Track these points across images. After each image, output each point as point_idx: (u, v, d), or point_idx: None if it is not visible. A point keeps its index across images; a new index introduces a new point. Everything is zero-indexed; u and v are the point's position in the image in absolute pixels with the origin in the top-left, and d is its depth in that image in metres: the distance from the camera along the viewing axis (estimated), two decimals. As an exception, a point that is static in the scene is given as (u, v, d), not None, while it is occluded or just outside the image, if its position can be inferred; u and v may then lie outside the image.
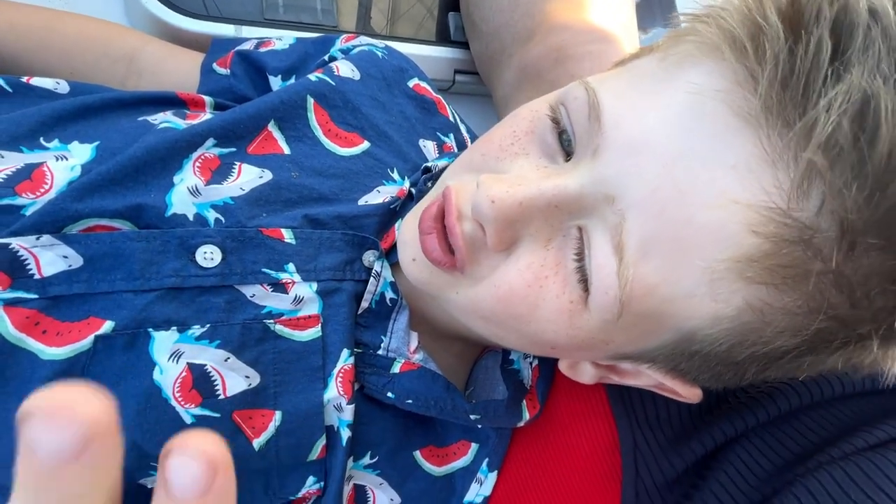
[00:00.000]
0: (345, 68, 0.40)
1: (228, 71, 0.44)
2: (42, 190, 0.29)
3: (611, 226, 0.25)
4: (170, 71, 0.47)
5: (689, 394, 0.30)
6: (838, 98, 0.20)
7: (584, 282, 0.26)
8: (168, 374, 0.28)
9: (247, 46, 0.46)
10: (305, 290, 0.32)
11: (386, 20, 0.63)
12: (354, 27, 0.61)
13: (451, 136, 0.45)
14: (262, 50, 0.45)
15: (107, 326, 0.28)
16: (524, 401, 0.38)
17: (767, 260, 0.22)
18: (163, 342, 0.29)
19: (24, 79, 0.35)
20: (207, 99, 0.40)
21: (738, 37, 0.22)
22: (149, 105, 0.36)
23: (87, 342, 0.27)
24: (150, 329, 0.28)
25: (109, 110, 0.34)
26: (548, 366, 0.40)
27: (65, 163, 0.30)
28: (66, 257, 0.28)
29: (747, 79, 0.22)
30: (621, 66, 0.30)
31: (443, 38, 0.63)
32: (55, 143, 0.31)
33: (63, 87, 0.36)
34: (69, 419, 0.12)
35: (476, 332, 0.32)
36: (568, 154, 0.28)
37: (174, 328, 0.29)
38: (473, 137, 0.48)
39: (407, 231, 0.31)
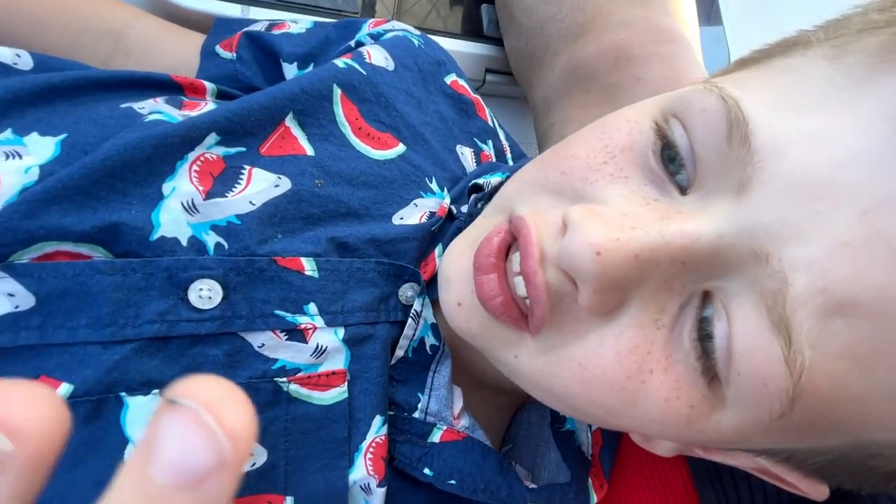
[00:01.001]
0: (377, 55, 0.33)
1: (234, 55, 0.37)
2: None
3: (766, 294, 0.18)
4: (165, 52, 0.40)
5: (814, 492, 0.24)
6: None
7: (710, 373, 0.19)
8: None
9: (257, 28, 0.39)
10: (330, 337, 0.25)
11: (391, 13, 0.57)
12: (374, 13, 0.54)
13: (490, 143, 0.39)
14: (275, 32, 0.38)
15: (62, 391, 0.20)
16: (589, 478, 0.31)
17: None
18: (140, 410, 0.21)
19: None
20: (209, 85, 0.33)
21: None
22: (136, 88, 0.29)
23: None
24: (123, 393, 0.21)
25: (84, 93, 0.27)
26: (612, 430, 0.33)
27: (17, 162, 0.22)
28: (11, 295, 0.20)
29: None
30: (756, 65, 0.23)
31: (473, 31, 0.56)
32: (6, 133, 0.23)
33: (25, 60, 0.29)
34: (211, 428, 0.09)
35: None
36: (681, 187, 0.21)
37: (156, 391, 0.22)
38: (513, 146, 0.41)
39: (453, 265, 0.24)
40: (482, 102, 0.40)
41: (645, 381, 0.20)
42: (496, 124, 0.41)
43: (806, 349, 0.17)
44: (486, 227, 0.24)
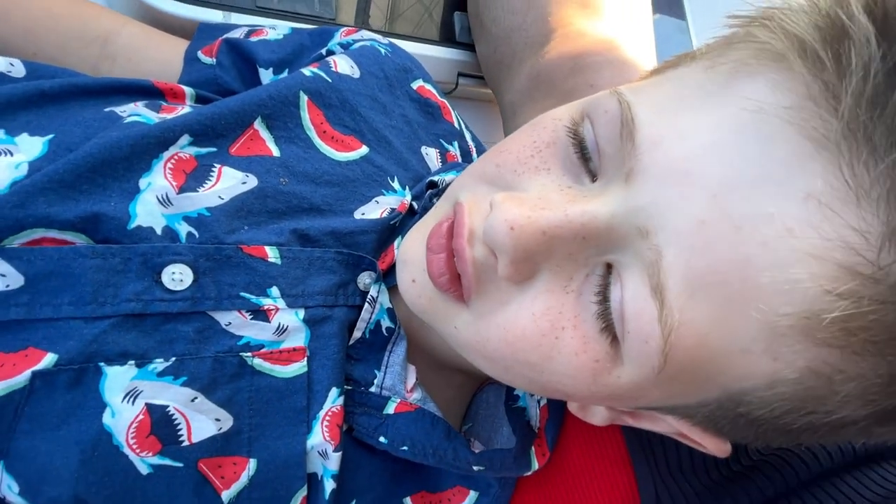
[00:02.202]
0: (343, 64, 0.36)
1: (214, 60, 0.40)
2: None
3: (647, 263, 0.21)
4: (149, 58, 0.42)
5: (717, 448, 0.27)
6: None
7: (609, 332, 0.22)
8: (121, 417, 0.24)
9: (236, 34, 0.41)
10: (291, 318, 0.28)
11: (385, 18, 0.59)
12: (353, 23, 0.56)
13: (455, 144, 0.42)
14: (253, 39, 0.41)
15: (47, 360, 0.23)
16: (533, 447, 0.34)
17: (847, 322, 0.18)
18: (116, 379, 0.24)
19: None
20: (188, 90, 0.35)
21: (811, 43, 0.18)
22: (119, 94, 0.32)
23: (22, 378, 0.23)
24: (102, 363, 0.24)
25: (71, 98, 0.29)
26: (557, 406, 0.36)
27: (8, 159, 0.25)
28: (3, 275, 0.23)
29: (822, 94, 0.18)
30: (657, 74, 0.26)
31: (447, 38, 0.59)
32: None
33: (18, 68, 0.31)
34: None
35: (480, 369, 0.29)
36: (593, 175, 0.24)
37: (131, 362, 0.24)
38: (479, 146, 0.44)
39: (409, 249, 0.27)
40: (449, 106, 0.42)
41: (558, 338, 0.23)
42: (462, 126, 0.43)
43: (675, 312, 0.20)
44: (437, 214, 0.28)
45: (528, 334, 0.23)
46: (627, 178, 0.22)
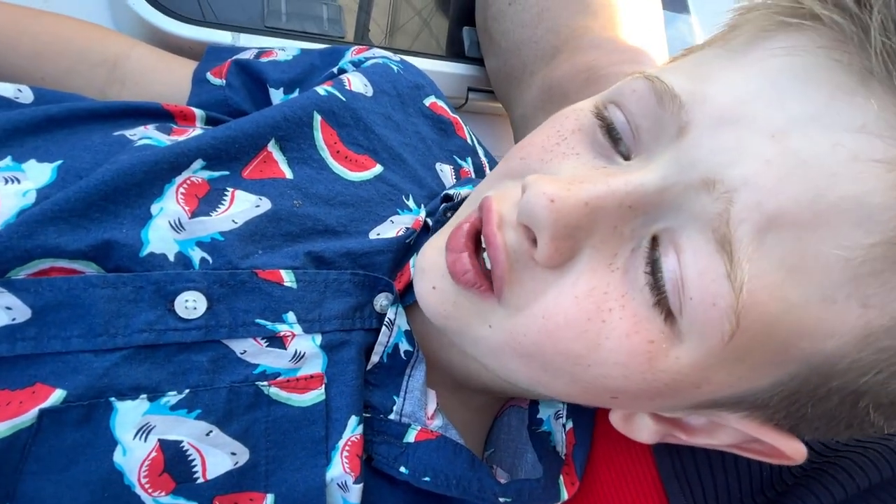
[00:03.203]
0: (357, 82, 0.35)
1: (224, 81, 0.39)
2: None
3: (711, 218, 0.20)
4: (158, 80, 0.42)
5: (793, 452, 0.24)
6: None
7: (662, 307, 0.21)
8: (133, 455, 0.23)
9: (246, 56, 0.41)
10: (307, 344, 0.27)
11: (384, 34, 0.59)
12: (353, 39, 0.56)
13: (469, 160, 0.41)
14: (263, 60, 0.40)
15: (56, 396, 0.22)
16: (561, 475, 0.32)
17: None
18: (128, 414, 0.23)
19: None
20: (198, 112, 0.35)
21: None
22: (129, 118, 0.31)
23: (29, 416, 0.22)
24: (113, 398, 0.23)
25: (80, 123, 0.29)
26: (585, 429, 0.35)
27: (16, 186, 0.24)
28: (9, 308, 0.22)
29: (851, 31, 0.19)
30: (670, 63, 0.26)
31: (456, 53, 0.59)
32: (6, 161, 0.25)
33: (26, 94, 0.31)
34: None
35: (507, 378, 0.27)
36: (625, 156, 0.23)
37: (143, 396, 0.23)
38: (491, 161, 0.43)
39: (427, 257, 0.26)
40: (461, 122, 0.42)
41: (605, 321, 0.21)
42: (475, 142, 0.43)
43: (745, 263, 0.19)
44: (458, 218, 0.26)
45: (572, 320, 0.22)
46: (679, 135, 0.21)
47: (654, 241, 0.21)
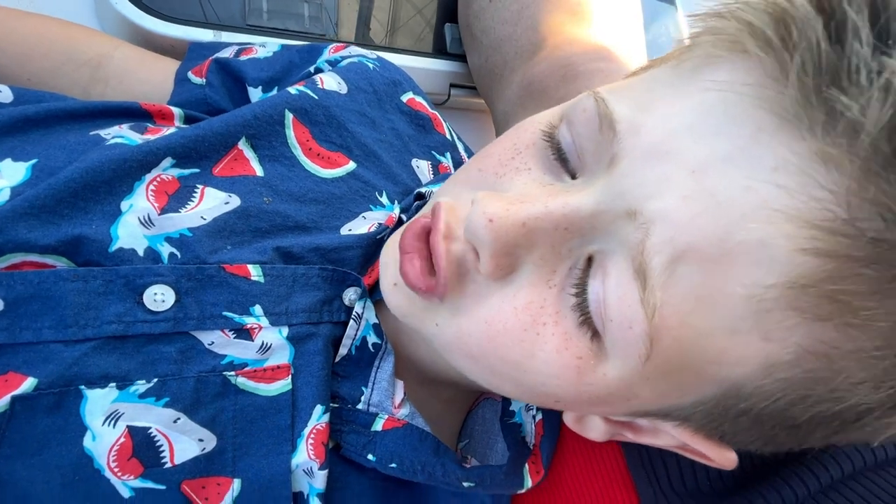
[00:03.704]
0: (330, 81, 0.36)
1: (204, 80, 0.40)
2: None
3: (631, 246, 0.21)
4: (141, 79, 0.43)
5: (723, 459, 0.26)
6: (894, 80, 0.17)
7: (588, 326, 0.22)
8: (102, 441, 0.24)
9: (226, 54, 0.42)
10: (274, 336, 0.28)
11: (385, 31, 0.60)
12: (353, 37, 0.57)
13: (448, 155, 0.42)
14: (243, 58, 0.41)
15: (27, 384, 0.23)
16: (526, 464, 0.33)
17: (827, 285, 0.18)
18: (97, 402, 0.24)
19: None
20: (177, 111, 0.35)
21: (761, 27, 0.19)
22: (105, 117, 0.32)
23: (2, 403, 0.23)
24: (82, 386, 0.24)
25: (57, 123, 0.30)
26: (553, 421, 0.36)
27: None
28: None
29: (777, 71, 0.19)
30: (632, 77, 0.26)
31: (438, 49, 0.60)
32: None
33: (6, 95, 0.32)
34: None
35: (467, 375, 0.28)
36: (572, 174, 0.24)
37: (112, 385, 0.24)
38: (471, 156, 0.44)
39: (390, 253, 0.27)
40: (440, 117, 0.42)
41: (539, 333, 0.23)
42: (455, 137, 0.43)
43: (658, 291, 0.20)
44: (415, 218, 0.27)
45: (510, 328, 0.23)
46: (611, 164, 0.22)
47: (590, 261, 0.22)
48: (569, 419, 0.30)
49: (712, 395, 0.22)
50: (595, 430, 0.29)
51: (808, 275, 0.18)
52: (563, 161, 0.24)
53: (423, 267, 0.25)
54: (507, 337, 0.23)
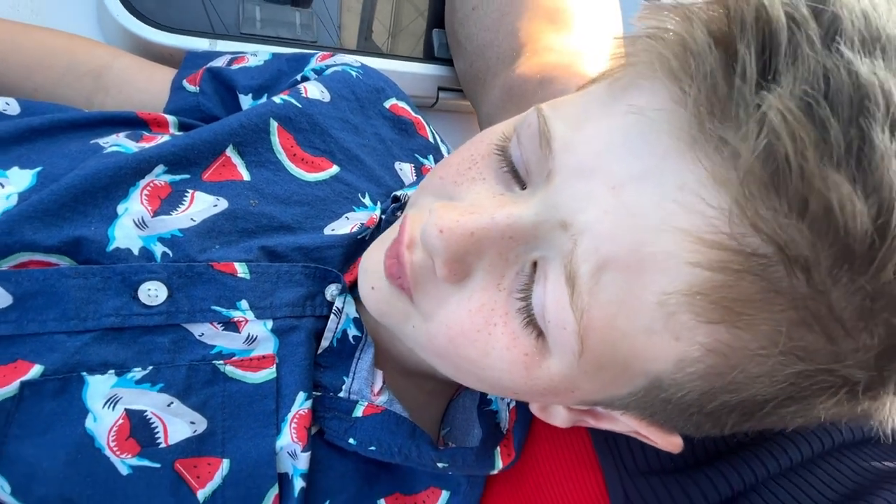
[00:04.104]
0: (313, 90, 0.38)
1: (197, 88, 0.42)
2: None
3: (565, 253, 0.23)
4: (140, 88, 0.45)
5: (667, 443, 0.28)
6: (769, 113, 0.18)
7: (533, 326, 0.24)
8: (102, 422, 0.26)
9: (219, 63, 0.44)
10: (259, 328, 0.30)
11: (387, 34, 0.62)
12: (356, 43, 0.59)
13: (431, 157, 0.44)
14: (234, 67, 0.43)
15: (35, 371, 0.26)
16: (498, 447, 0.36)
17: (715, 293, 0.20)
18: (97, 387, 0.26)
19: None
20: (171, 119, 0.38)
21: (667, 56, 0.21)
22: (106, 126, 0.34)
23: (12, 388, 0.25)
24: (84, 373, 0.26)
25: (60, 132, 0.32)
26: (526, 409, 0.38)
27: (0, 190, 0.28)
28: None
29: (681, 98, 0.21)
30: (580, 90, 0.28)
31: (427, 54, 0.62)
32: None
33: (13, 107, 0.34)
34: None
35: (438, 370, 0.30)
36: (522, 184, 0.26)
37: (111, 371, 0.27)
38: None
39: (369, 260, 0.30)
40: (423, 121, 0.44)
41: (491, 333, 0.25)
42: (438, 140, 0.45)
43: (585, 296, 0.22)
44: (396, 226, 0.29)
45: (466, 330, 0.25)
46: (548, 178, 0.24)
47: (535, 266, 0.25)
48: (534, 408, 0.32)
49: (642, 387, 0.25)
50: (559, 417, 0.31)
51: (698, 284, 0.20)
52: (514, 173, 0.26)
53: (403, 270, 0.27)
54: (465, 337, 0.26)
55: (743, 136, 0.19)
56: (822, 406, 0.23)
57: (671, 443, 0.28)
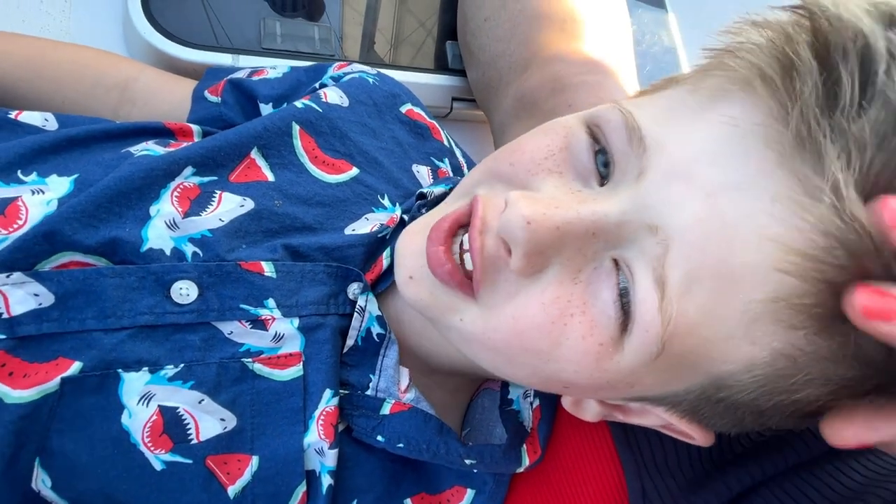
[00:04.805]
0: (333, 95, 0.39)
1: (219, 98, 0.44)
2: (16, 225, 0.28)
3: (652, 258, 0.23)
4: (164, 99, 0.47)
5: (703, 438, 0.28)
6: (867, 132, 0.19)
7: (616, 318, 0.24)
8: (137, 418, 0.27)
9: (239, 75, 0.45)
10: (286, 326, 0.31)
11: (389, 45, 0.63)
12: (358, 55, 0.61)
13: (446, 160, 0.45)
14: (255, 78, 0.45)
15: (74, 367, 0.26)
16: (524, 445, 0.36)
17: (800, 301, 0.21)
18: (132, 384, 0.27)
19: (13, 114, 0.35)
20: (195, 128, 0.39)
21: (769, 72, 0.22)
22: (135, 136, 0.36)
23: (53, 384, 0.26)
24: (120, 370, 0.27)
25: (94, 142, 0.34)
26: (550, 406, 0.38)
27: (41, 196, 0.29)
28: (36, 295, 0.27)
29: (780, 113, 0.22)
30: (646, 95, 0.29)
31: (441, 65, 0.63)
32: (33, 176, 0.30)
33: (52, 123, 0.36)
34: None
35: (477, 364, 0.30)
36: (602, 178, 0.26)
37: (145, 369, 0.28)
38: (469, 162, 0.47)
39: (407, 245, 0.29)
40: (438, 126, 0.45)
41: (566, 324, 0.25)
42: (452, 144, 0.46)
43: (674, 302, 0.23)
44: (446, 209, 0.29)
45: (539, 322, 0.25)
46: (638, 179, 0.24)
47: (615, 263, 0.25)
48: (567, 402, 0.32)
49: (699, 385, 0.25)
50: (590, 411, 0.31)
51: (785, 291, 0.21)
52: (593, 168, 0.26)
53: (451, 258, 0.27)
54: (536, 330, 0.25)
55: (840, 157, 0.20)
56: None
57: (705, 437, 0.29)
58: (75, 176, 0.30)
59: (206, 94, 0.44)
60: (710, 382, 0.25)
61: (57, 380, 0.26)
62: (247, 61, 0.53)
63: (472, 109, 0.63)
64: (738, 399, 0.24)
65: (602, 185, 0.26)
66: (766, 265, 0.21)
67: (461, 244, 0.28)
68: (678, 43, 0.75)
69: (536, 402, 0.38)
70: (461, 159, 0.46)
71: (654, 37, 0.75)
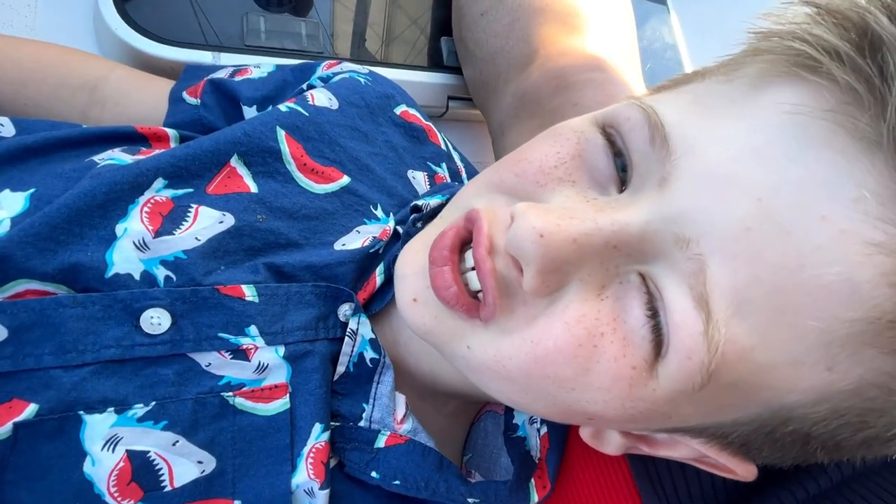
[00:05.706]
0: (321, 97, 0.36)
1: (199, 100, 0.41)
2: None
3: (687, 274, 0.20)
4: (137, 101, 0.43)
5: (745, 472, 0.25)
6: None
7: (657, 342, 0.21)
8: (102, 466, 0.24)
9: (221, 74, 0.42)
10: (270, 355, 0.28)
11: (381, 42, 0.60)
12: (349, 52, 0.58)
13: (444, 165, 0.42)
14: (237, 78, 0.41)
15: (29, 411, 0.23)
16: (532, 479, 0.33)
17: None
18: (96, 427, 0.24)
19: None
20: (172, 132, 0.36)
21: (847, 51, 0.18)
22: (102, 143, 0.32)
23: (6, 429, 0.23)
24: (81, 412, 0.24)
25: (54, 151, 0.30)
26: (559, 434, 0.35)
27: None
28: None
29: (867, 98, 0.18)
30: (666, 90, 0.26)
31: (435, 63, 0.60)
32: None
33: (8, 128, 0.32)
34: None
35: (485, 393, 0.27)
36: (620, 186, 0.23)
37: (111, 409, 0.24)
38: (468, 166, 0.44)
39: (408, 263, 0.26)
40: (434, 129, 0.42)
41: (596, 346, 0.22)
42: (450, 147, 0.43)
43: (722, 327, 0.19)
44: (442, 225, 0.26)
45: (562, 345, 0.22)
46: (661, 185, 0.21)
47: (642, 277, 0.22)
48: (585, 434, 0.29)
49: (755, 416, 0.22)
50: (612, 444, 0.28)
51: (890, 309, 0.18)
52: (612, 173, 0.23)
53: (458, 280, 0.24)
54: (559, 354, 0.22)
55: None
56: None
57: (748, 471, 0.25)
58: (31, 191, 0.27)
59: (185, 95, 0.41)
60: (770, 414, 0.22)
61: (9, 425, 0.23)
62: (229, 59, 0.50)
63: (468, 109, 0.60)
64: (813, 432, 0.21)
65: (620, 191, 0.23)
66: (857, 277, 0.18)
67: (463, 263, 0.25)
68: (679, 39, 0.73)
69: (544, 430, 0.35)
70: (459, 164, 0.43)
71: (654, 33, 0.72)
